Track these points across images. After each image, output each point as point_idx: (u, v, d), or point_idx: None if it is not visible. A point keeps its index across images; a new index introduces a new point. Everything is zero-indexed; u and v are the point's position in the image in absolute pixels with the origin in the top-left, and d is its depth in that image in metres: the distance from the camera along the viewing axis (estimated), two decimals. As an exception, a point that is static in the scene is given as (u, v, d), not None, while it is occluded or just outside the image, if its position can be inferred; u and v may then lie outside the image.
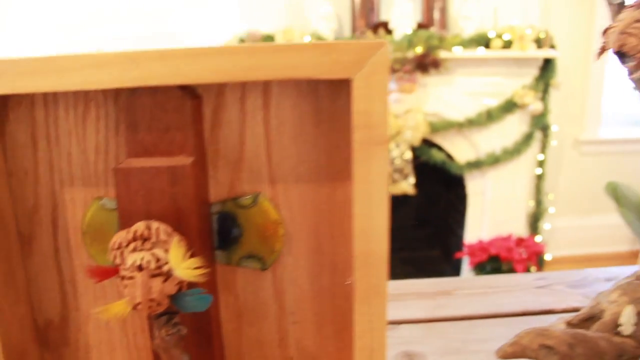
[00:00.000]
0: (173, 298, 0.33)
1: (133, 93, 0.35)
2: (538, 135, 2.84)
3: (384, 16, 2.46)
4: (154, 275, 0.31)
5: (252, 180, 0.39)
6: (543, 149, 2.88)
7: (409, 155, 2.52)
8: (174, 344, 0.35)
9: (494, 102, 2.69)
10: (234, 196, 0.39)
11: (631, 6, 0.44)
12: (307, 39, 2.28)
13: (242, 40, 2.32)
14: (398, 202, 2.93)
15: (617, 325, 0.49)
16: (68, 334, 0.43)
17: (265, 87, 0.37)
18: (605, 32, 0.45)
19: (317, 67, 0.31)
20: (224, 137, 0.38)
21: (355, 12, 2.44)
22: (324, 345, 0.43)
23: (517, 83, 2.70)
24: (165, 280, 0.31)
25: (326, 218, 0.39)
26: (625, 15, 0.44)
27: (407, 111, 2.45)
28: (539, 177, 2.95)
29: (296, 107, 0.37)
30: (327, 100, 0.36)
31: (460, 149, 2.74)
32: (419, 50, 2.32)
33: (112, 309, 0.32)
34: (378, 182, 0.33)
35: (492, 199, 2.87)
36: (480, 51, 2.53)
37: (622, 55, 0.43)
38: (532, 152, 2.86)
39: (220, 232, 0.40)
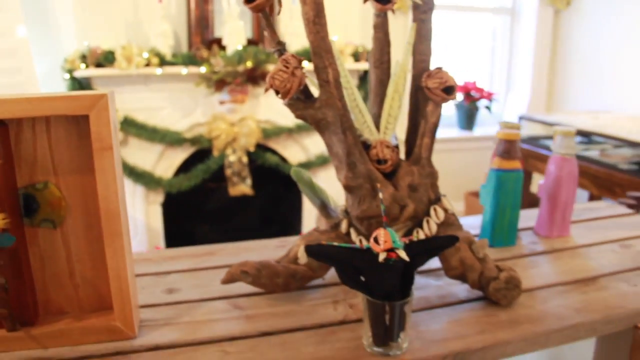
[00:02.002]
0: (-10, 239, 0.58)
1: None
2: (361, 137, 3.25)
3: (217, 33, 2.72)
4: (-24, 225, 0.56)
5: (43, 173, 0.64)
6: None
7: (245, 159, 2.81)
8: (-6, 271, 0.60)
9: (320, 110, 3.05)
10: (32, 183, 0.64)
11: (281, 59, 0.74)
12: (145, 56, 2.49)
13: (83, 56, 2.48)
14: (242, 204, 3.22)
15: (297, 258, 0.80)
16: None
17: (47, 118, 0.63)
18: (267, 76, 0.75)
19: (70, 108, 0.58)
20: (24, 148, 0.63)
21: (191, 29, 2.69)
22: (97, 273, 0.69)
23: (339, 93, 3.09)
24: (-16, 228, 0.56)
25: (90, 193, 0.66)
26: (276, 65, 0.74)
27: (241, 119, 2.74)
28: (365, 174, 3.38)
29: (67, 129, 0.63)
30: (85, 124, 0.63)
31: (292, 152, 3.08)
32: (249, 64, 2.62)
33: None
34: (109, 169, 0.60)
35: (324, 195, 3.25)
36: (305, 64, 2.88)
37: (276, 90, 0.74)
38: (356, 153, 3.27)
39: (25, 206, 0.65)
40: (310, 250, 0.65)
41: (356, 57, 3.04)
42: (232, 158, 2.80)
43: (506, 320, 0.75)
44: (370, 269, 0.64)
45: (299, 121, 3.14)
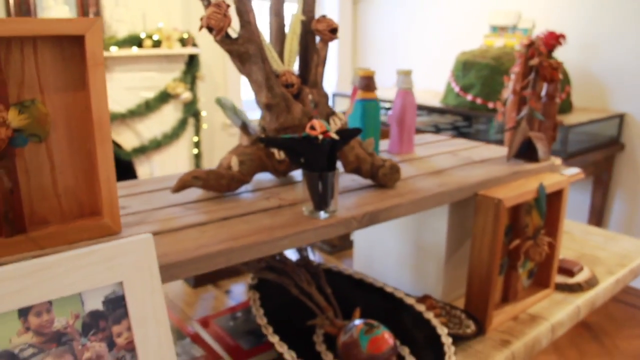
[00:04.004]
0: (10, 140, 0.67)
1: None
2: (191, 120, 3.39)
3: (39, 20, 2.66)
4: (1, 126, 0.66)
5: (30, 92, 0.74)
6: (197, 132, 3.45)
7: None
8: (5, 174, 0.69)
9: (150, 94, 3.13)
10: (20, 101, 0.74)
11: (212, 4, 0.91)
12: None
13: None
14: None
15: (230, 167, 0.97)
16: None
17: (34, 40, 0.73)
18: (201, 18, 0.91)
19: (68, 29, 0.70)
20: (12, 69, 0.72)
21: (11, 15, 2.59)
22: (78, 183, 0.80)
23: (169, 77, 3.18)
24: (7, 129, 0.66)
25: (75, 109, 0.77)
26: (209, 9, 0.91)
27: (75, 105, 2.71)
28: (197, 156, 3.51)
29: (52, 52, 0.74)
30: (69, 47, 0.74)
31: (126, 138, 3.11)
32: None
33: (-25, 150, 0.65)
34: (100, 82, 0.73)
35: (161, 179, 3.32)
36: (134, 50, 2.94)
37: (209, 28, 0.90)
38: (188, 135, 3.39)
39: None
40: (266, 140, 0.84)
41: (183, 42, 3.15)
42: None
43: (395, 194, 1.01)
44: (309, 150, 0.85)
45: (132, 107, 3.19)
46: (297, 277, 1.06)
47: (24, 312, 0.62)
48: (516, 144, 1.30)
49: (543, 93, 1.42)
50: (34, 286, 0.62)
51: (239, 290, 1.33)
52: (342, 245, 1.55)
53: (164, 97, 3.17)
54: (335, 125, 1.02)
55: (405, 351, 0.99)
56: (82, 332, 0.65)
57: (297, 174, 1.11)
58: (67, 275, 0.64)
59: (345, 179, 1.09)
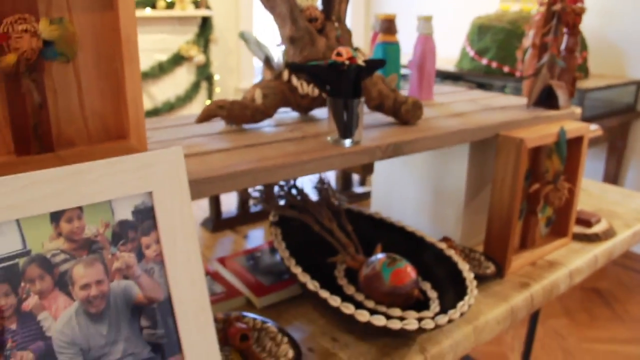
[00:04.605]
0: (41, 52, 0.67)
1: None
2: (204, 84, 3.38)
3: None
4: (32, 35, 0.66)
5: (58, 10, 0.74)
6: (210, 95, 3.44)
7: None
8: (35, 88, 0.70)
9: (164, 57, 3.12)
10: (50, 19, 0.74)
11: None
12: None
13: None
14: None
15: (254, 100, 0.97)
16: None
17: (63, -43, 0.72)
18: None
19: (97, -58, 0.69)
20: (41, -15, 0.72)
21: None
22: (105, 106, 0.80)
23: (182, 39, 3.17)
24: (38, 40, 0.66)
25: (102, 29, 0.77)
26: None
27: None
28: (210, 121, 3.51)
29: (81, -32, 0.73)
30: (97, -36, 0.74)
31: (140, 99, 3.11)
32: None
33: (5, 60, 0.65)
34: (129, 1, 0.72)
35: (174, 142, 3.32)
36: (148, 11, 2.92)
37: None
38: (201, 99, 3.39)
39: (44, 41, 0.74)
40: (293, 66, 0.84)
41: (196, 4, 3.13)
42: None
43: (417, 129, 1.00)
44: (334, 77, 0.84)
45: (145, 69, 3.18)
46: (318, 214, 1.06)
47: (55, 217, 0.62)
48: (536, 91, 1.29)
49: (562, 47, 1.41)
50: (65, 191, 0.62)
51: (257, 235, 1.34)
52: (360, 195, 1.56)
53: (178, 60, 3.16)
54: (360, 59, 1.01)
55: (426, 286, 1.00)
56: (112, 241, 0.65)
57: (319, 113, 1.11)
58: (98, 182, 0.64)
59: (367, 119, 1.09)
